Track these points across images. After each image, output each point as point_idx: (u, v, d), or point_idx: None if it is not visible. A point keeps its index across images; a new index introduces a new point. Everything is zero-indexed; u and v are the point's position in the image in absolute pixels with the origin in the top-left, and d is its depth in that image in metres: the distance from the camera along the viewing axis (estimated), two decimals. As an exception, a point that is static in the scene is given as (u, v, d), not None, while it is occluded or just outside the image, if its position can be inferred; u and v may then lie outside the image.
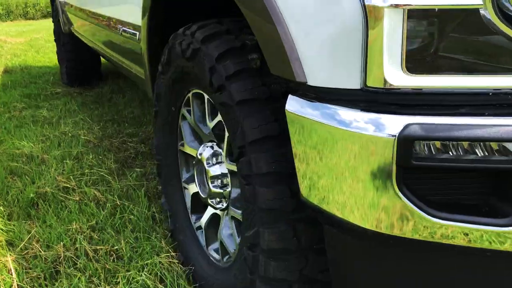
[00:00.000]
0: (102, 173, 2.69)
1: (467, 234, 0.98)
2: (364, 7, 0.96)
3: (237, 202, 1.52)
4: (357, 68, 0.99)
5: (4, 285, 1.76)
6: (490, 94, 0.96)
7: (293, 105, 1.10)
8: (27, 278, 1.80)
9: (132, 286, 1.74)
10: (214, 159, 1.62)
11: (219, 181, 1.59)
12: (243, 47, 1.35)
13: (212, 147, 1.64)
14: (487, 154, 0.94)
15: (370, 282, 1.15)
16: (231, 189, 1.56)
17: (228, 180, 1.57)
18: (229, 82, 1.29)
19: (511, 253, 0.99)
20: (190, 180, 1.88)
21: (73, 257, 1.91)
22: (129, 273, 1.80)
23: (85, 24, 3.61)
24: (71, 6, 4.18)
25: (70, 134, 3.36)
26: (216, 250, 1.73)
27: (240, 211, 1.45)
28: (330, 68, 1.02)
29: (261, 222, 1.25)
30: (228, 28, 1.43)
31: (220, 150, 1.60)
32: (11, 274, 1.81)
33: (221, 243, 1.64)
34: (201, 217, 1.83)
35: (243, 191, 1.29)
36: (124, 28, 2.36)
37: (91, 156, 2.91)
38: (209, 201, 1.66)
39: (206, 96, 1.56)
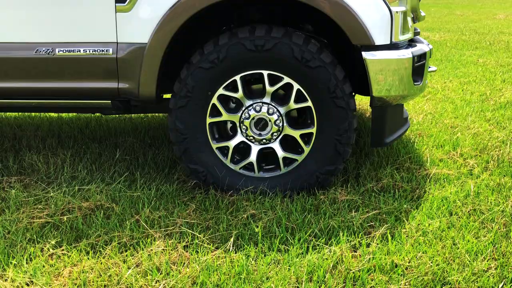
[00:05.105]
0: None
1: (420, 89, 2.78)
2: (389, 10, 2.55)
3: (296, 124, 2.72)
4: (388, 35, 2.58)
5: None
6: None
7: (368, 55, 2.54)
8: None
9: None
10: (270, 111, 2.66)
11: (278, 121, 2.68)
12: (307, 37, 2.58)
13: (263, 105, 2.65)
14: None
15: (388, 118, 2.79)
16: (284, 125, 2.69)
17: (282, 119, 2.68)
18: (318, 54, 2.53)
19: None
20: (223, 139, 2.75)
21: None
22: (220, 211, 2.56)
23: None
24: None
25: None
26: (268, 170, 2.77)
27: (312, 127, 2.66)
28: (381, 36, 2.56)
29: (351, 117, 2.62)
30: (287, 30, 2.57)
31: (273, 106, 2.65)
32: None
33: (284, 159, 2.73)
34: (240, 161, 2.76)
35: (340, 104, 2.58)
36: (85, 49, 2.61)
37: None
38: (267, 137, 2.69)
39: (266, 72, 2.59)
